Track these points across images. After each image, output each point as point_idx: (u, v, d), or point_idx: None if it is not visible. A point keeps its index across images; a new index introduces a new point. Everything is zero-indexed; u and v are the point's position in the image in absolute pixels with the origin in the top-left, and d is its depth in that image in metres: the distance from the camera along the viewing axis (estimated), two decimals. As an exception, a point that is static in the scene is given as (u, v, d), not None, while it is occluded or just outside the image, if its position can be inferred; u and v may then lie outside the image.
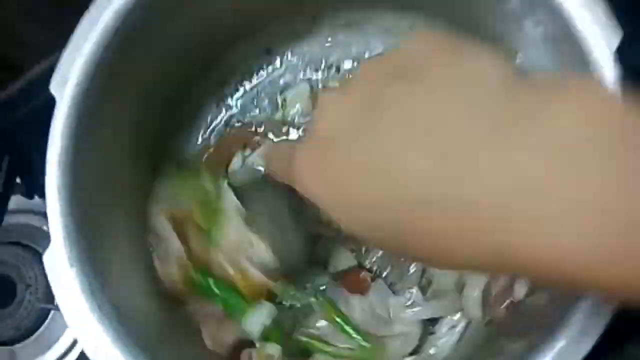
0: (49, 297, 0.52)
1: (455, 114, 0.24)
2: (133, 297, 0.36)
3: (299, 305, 0.40)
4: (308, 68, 0.48)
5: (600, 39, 0.31)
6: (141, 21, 0.37)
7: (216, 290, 0.38)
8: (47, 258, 0.34)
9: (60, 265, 0.33)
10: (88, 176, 0.35)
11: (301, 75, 0.47)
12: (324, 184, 0.27)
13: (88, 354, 0.32)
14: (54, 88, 0.35)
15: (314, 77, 0.47)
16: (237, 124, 0.48)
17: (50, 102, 0.56)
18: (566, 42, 0.32)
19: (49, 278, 0.33)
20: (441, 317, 0.42)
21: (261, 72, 0.48)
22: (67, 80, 0.35)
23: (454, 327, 0.42)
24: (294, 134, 0.47)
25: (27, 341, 0.53)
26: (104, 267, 0.34)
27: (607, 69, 0.31)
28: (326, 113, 0.28)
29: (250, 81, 0.48)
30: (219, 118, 0.48)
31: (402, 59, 0.27)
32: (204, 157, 0.48)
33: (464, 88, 0.25)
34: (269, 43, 0.47)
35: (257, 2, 0.43)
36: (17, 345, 0.53)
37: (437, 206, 0.23)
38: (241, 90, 0.48)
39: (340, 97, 0.28)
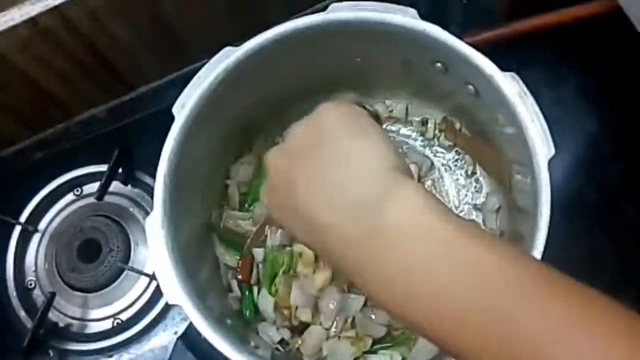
0: (126, 261, 0.68)
1: (340, 181, 0.36)
2: (195, 253, 0.51)
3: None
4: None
5: (542, 148, 0.46)
6: (236, 77, 0.53)
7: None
8: (148, 221, 0.50)
9: (156, 226, 0.49)
10: (185, 167, 0.51)
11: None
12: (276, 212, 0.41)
13: (162, 286, 0.47)
14: (175, 110, 0.52)
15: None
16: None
17: (153, 115, 0.73)
18: (521, 142, 0.47)
19: (147, 233, 0.49)
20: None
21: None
22: (184, 105, 0.52)
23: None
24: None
25: (101, 292, 0.68)
26: (181, 232, 0.50)
27: (543, 169, 0.45)
28: (270, 164, 0.41)
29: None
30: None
31: (313, 128, 0.39)
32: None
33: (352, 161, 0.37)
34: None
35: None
36: (92, 294, 0.68)
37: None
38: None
39: (276, 153, 0.41)
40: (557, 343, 0.27)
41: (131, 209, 0.71)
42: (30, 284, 0.71)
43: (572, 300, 0.29)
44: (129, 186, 0.72)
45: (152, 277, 0.67)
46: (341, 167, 0.37)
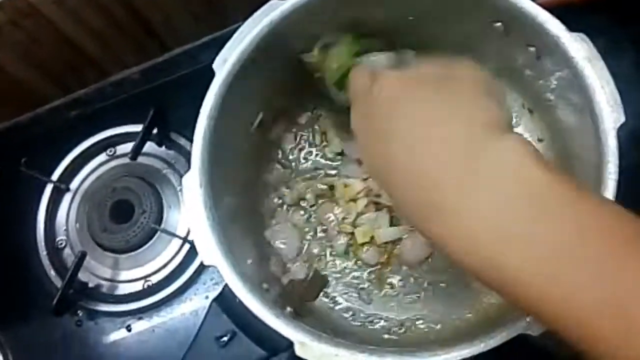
0: (158, 222, 0.66)
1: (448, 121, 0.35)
2: (232, 215, 0.50)
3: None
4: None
5: (610, 115, 0.42)
6: (277, 37, 0.50)
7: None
8: (185, 179, 0.47)
9: (193, 185, 0.47)
10: (223, 128, 0.49)
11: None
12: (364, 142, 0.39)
13: (197, 245, 0.45)
14: (216, 65, 0.49)
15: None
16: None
17: (188, 77, 0.72)
18: (587, 111, 0.44)
19: (184, 192, 0.47)
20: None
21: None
22: (225, 61, 0.49)
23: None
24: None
25: (132, 253, 0.67)
26: (218, 191, 0.48)
27: (611, 137, 0.42)
28: (379, 84, 0.39)
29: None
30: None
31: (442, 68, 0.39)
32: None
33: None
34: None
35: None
36: (123, 255, 0.67)
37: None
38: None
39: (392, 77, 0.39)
40: None
41: (165, 171, 0.69)
42: (61, 244, 0.70)
43: None
44: (163, 147, 0.71)
45: (185, 239, 0.65)
46: (443, 122, 0.35)
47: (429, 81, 0.38)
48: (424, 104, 0.37)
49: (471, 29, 0.52)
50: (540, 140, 0.57)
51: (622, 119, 0.42)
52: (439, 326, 0.56)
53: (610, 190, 0.42)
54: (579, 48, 0.43)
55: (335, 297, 0.58)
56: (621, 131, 0.59)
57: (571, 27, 0.46)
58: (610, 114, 0.42)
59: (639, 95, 0.65)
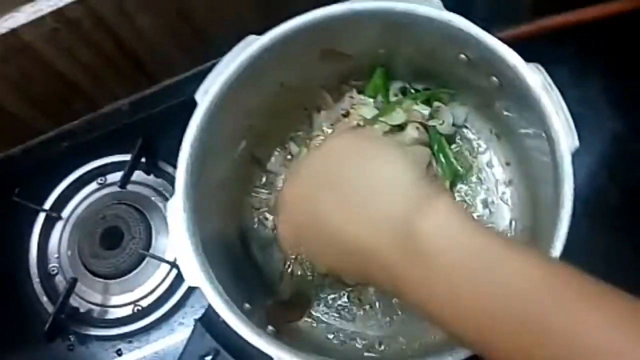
0: (147, 248, 0.68)
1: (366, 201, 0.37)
2: (216, 237, 0.52)
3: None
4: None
5: (565, 139, 0.45)
6: (255, 69, 0.53)
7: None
8: (169, 204, 0.50)
9: (177, 209, 0.49)
10: (206, 155, 0.52)
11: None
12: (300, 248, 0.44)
13: (181, 267, 0.47)
14: (198, 96, 0.52)
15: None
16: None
17: (176, 108, 0.74)
18: (545, 137, 0.47)
19: (168, 216, 0.49)
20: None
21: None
22: (207, 92, 0.52)
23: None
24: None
25: (122, 279, 0.68)
26: (202, 214, 0.50)
27: (566, 161, 0.45)
28: (286, 201, 0.42)
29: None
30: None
31: (324, 159, 0.41)
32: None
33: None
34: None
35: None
36: (113, 281, 0.69)
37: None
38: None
39: (291, 188, 0.43)
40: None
41: (153, 198, 0.72)
42: (53, 270, 0.72)
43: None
44: (152, 176, 0.73)
45: (173, 264, 0.67)
46: (365, 187, 0.37)
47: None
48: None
49: (441, 59, 0.55)
50: (507, 164, 0.60)
51: (577, 144, 0.45)
52: (417, 344, 0.58)
53: (567, 209, 0.44)
54: (535, 77, 0.47)
55: (317, 316, 0.61)
56: (588, 154, 0.63)
57: (537, 57, 0.49)
58: (565, 139, 0.45)
59: (607, 121, 0.69)
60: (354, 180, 0.38)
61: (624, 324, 0.29)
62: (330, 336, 0.59)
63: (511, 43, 0.49)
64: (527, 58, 0.49)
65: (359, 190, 0.37)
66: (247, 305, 0.50)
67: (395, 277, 0.35)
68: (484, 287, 0.32)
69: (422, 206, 0.35)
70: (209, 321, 0.51)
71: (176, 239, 0.48)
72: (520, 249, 0.34)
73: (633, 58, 0.69)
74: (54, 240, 0.73)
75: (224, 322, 0.46)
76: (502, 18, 0.68)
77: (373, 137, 0.41)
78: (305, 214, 0.40)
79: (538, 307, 0.30)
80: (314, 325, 0.60)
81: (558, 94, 0.46)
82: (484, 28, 0.49)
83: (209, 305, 0.47)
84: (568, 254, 0.44)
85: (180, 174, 0.50)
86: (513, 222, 0.59)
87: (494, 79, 0.52)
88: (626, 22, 0.66)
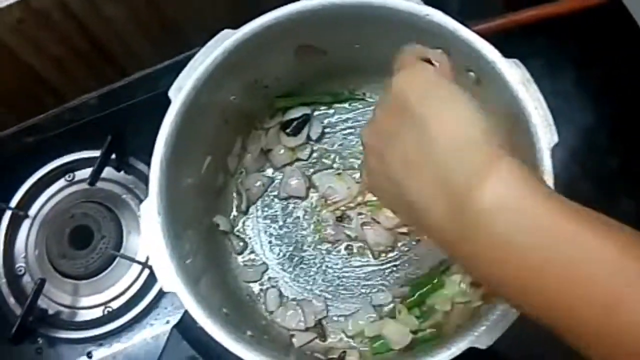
0: (117, 248, 0.66)
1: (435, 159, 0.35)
2: (193, 238, 0.51)
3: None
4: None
5: (545, 135, 0.45)
6: (231, 64, 0.52)
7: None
8: (143, 206, 0.49)
9: (152, 212, 0.48)
10: (181, 155, 0.50)
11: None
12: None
13: (156, 272, 0.46)
14: (171, 93, 0.51)
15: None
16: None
17: (147, 102, 0.73)
18: (525, 132, 0.47)
19: (141, 220, 0.48)
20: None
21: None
22: (181, 89, 0.51)
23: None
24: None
25: (92, 280, 0.66)
26: (178, 218, 0.49)
27: (546, 155, 0.45)
28: (366, 145, 0.41)
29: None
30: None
31: (395, 106, 0.37)
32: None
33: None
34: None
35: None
36: (82, 282, 0.67)
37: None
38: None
39: (368, 132, 0.41)
40: None
41: (124, 196, 0.70)
42: (20, 270, 0.70)
43: None
44: (122, 172, 0.71)
45: (144, 265, 0.66)
46: (434, 142, 0.34)
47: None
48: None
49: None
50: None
51: (555, 139, 0.45)
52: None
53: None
54: (513, 73, 0.46)
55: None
56: (560, 146, 0.63)
57: (511, 51, 0.49)
58: (545, 134, 0.45)
59: (579, 113, 0.69)
60: (417, 135, 0.35)
61: None
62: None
63: (485, 37, 0.49)
64: (501, 51, 0.48)
65: (422, 146, 0.35)
66: (224, 310, 0.49)
67: (449, 248, 0.35)
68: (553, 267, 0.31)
69: (481, 172, 0.33)
70: (185, 327, 0.50)
71: (151, 243, 0.47)
72: (588, 215, 0.33)
73: (605, 49, 0.69)
74: (20, 240, 0.71)
75: (201, 328, 0.45)
76: (476, 12, 0.68)
77: (442, 80, 0.37)
78: (375, 157, 0.39)
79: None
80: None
81: (537, 89, 0.46)
82: (459, 22, 0.49)
83: (185, 311, 0.46)
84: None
85: (154, 174, 0.49)
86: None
87: (472, 74, 0.51)
88: (598, 15, 0.66)
